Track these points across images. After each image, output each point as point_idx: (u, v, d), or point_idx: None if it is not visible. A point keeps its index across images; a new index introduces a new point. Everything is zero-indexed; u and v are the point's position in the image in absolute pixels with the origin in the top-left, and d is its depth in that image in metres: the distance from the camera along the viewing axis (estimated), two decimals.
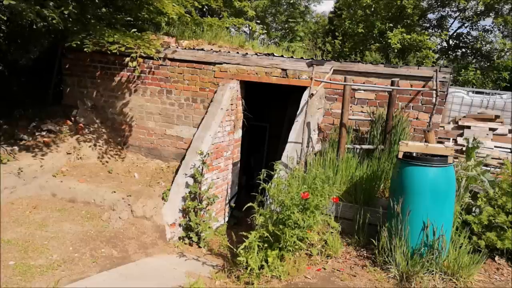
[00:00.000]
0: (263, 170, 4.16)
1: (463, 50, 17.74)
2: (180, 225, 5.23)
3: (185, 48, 6.39)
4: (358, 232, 4.28)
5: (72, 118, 6.69)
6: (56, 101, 7.22)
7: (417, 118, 5.19)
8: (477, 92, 6.68)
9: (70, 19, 5.48)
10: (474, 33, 17.24)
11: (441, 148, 3.78)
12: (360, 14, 16.18)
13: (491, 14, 15.70)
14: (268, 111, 8.12)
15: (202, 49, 6.25)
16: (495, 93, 6.70)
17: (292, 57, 5.94)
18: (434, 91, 4.97)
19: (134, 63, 5.74)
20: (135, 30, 6.24)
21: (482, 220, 3.95)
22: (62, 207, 5.24)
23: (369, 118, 5.29)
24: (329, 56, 17.08)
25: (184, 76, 6.30)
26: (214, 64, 6.10)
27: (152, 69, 6.47)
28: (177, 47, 6.40)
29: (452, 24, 18.11)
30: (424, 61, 14.42)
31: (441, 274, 3.59)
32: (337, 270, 3.90)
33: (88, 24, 5.87)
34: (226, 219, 6.23)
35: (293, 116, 5.58)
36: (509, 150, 5.44)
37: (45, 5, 4.93)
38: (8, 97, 6.87)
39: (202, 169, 5.29)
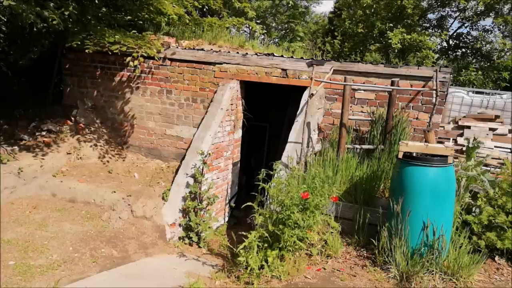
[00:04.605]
0: (263, 170, 4.17)
1: (463, 50, 17.73)
2: (180, 225, 5.23)
3: (185, 48, 6.39)
4: (358, 232, 4.28)
5: (72, 118, 6.70)
6: (56, 101, 7.23)
7: (417, 118, 5.19)
8: (477, 92, 6.68)
9: (70, 20, 5.48)
10: (474, 33, 17.24)
11: (441, 148, 3.78)
12: (360, 14, 16.18)
13: (491, 14, 15.69)
14: (268, 111, 8.12)
15: (202, 49, 6.25)
16: (495, 93, 6.69)
17: (292, 57, 5.94)
18: (434, 91, 4.97)
19: (135, 62, 5.74)
20: (135, 31, 6.25)
21: (482, 220, 3.95)
22: (62, 207, 5.24)
23: (369, 118, 5.29)
24: (329, 56, 17.08)
25: (184, 76, 6.30)
26: (214, 64, 6.10)
27: (152, 69, 6.47)
28: (177, 47, 6.40)
29: (452, 24, 18.12)
30: (424, 61, 14.42)
31: (441, 274, 3.60)
32: (337, 270, 3.90)
33: (89, 24, 5.87)
34: (226, 219, 6.24)
35: (293, 116, 5.58)
36: (509, 150, 5.44)
37: (46, 6, 4.93)
38: (8, 97, 6.87)
39: (202, 169, 5.29)
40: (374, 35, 16.54)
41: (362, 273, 3.83)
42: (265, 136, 8.46)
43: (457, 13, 17.02)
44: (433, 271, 3.58)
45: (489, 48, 17.05)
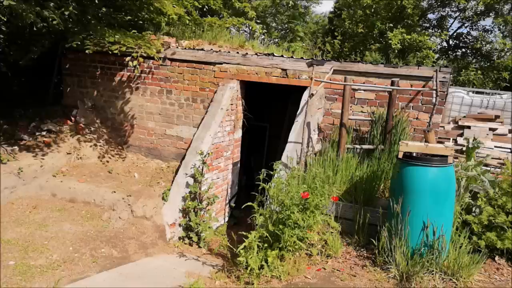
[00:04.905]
0: (263, 170, 4.17)
1: (463, 50, 17.74)
2: (180, 225, 5.23)
3: (185, 48, 6.39)
4: (358, 232, 4.28)
5: (72, 118, 6.70)
6: (56, 101, 7.23)
7: (417, 118, 5.19)
8: (477, 92, 6.67)
9: (71, 20, 5.48)
10: (474, 33, 17.26)
11: (441, 148, 3.78)
12: (360, 14, 16.18)
13: (491, 14, 15.70)
14: (268, 111, 8.12)
15: (202, 49, 6.25)
16: (495, 93, 6.69)
17: (292, 57, 5.94)
18: (434, 91, 4.97)
19: (135, 62, 5.74)
20: (135, 31, 6.25)
21: (482, 220, 3.95)
22: (62, 207, 5.24)
23: (369, 118, 5.29)
24: (329, 56, 17.07)
25: (184, 76, 6.30)
26: (214, 64, 6.10)
27: (152, 69, 6.48)
28: (177, 47, 6.40)
29: (452, 24, 18.13)
30: (424, 61, 14.42)
31: (441, 274, 3.60)
32: (337, 270, 3.90)
33: (89, 24, 5.87)
34: (226, 219, 6.24)
35: (293, 116, 5.58)
36: (509, 150, 5.44)
37: (46, 6, 4.93)
38: (8, 97, 6.86)
39: (202, 169, 5.29)
40: (374, 35, 16.54)
41: (362, 273, 3.83)
42: (265, 136, 8.45)
43: (457, 13, 17.03)
44: (433, 271, 3.58)
45: (489, 48, 17.06)
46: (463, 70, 15.34)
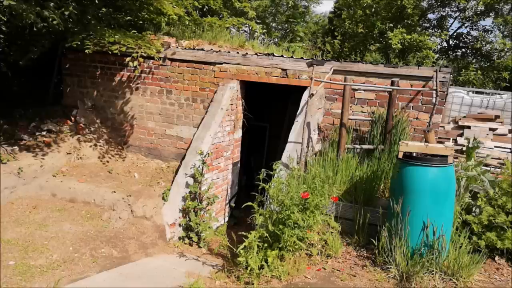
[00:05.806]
0: (263, 170, 4.17)
1: (463, 50, 17.74)
2: (180, 225, 5.23)
3: (185, 48, 6.40)
4: (358, 232, 4.28)
5: (72, 118, 6.70)
6: (56, 101, 7.23)
7: (417, 118, 5.19)
8: (477, 92, 6.67)
9: (71, 20, 5.48)
10: (474, 33, 17.26)
11: (441, 148, 3.78)
12: (360, 14, 16.17)
13: (491, 14, 15.70)
14: (268, 111, 8.12)
15: (202, 49, 6.25)
16: (495, 93, 6.69)
17: (292, 57, 5.94)
18: (434, 91, 4.97)
19: (135, 63, 5.74)
20: (135, 31, 6.25)
21: (482, 220, 3.95)
22: (62, 207, 5.24)
23: (369, 118, 5.30)
24: (329, 56, 17.06)
25: (184, 76, 6.30)
26: (214, 64, 6.10)
27: (152, 69, 6.48)
28: (177, 47, 6.40)
29: (452, 24, 18.14)
30: (424, 61, 14.42)
31: (441, 274, 3.60)
32: (337, 270, 3.90)
33: (89, 24, 5.87)
34: (226, 219, 6.24)
35: (293, 116, 5.58)
36: (509, 150, 5.44)
37: (46, 6, 4.93)
38: (8, 97, 6.86)
39: (202, 169, 5.29)
40: (374, 35, 16.54)
41: (362, 273, 3.83)
42: (265, 136, 8.46)
43: (457, 13, 17.03)
44: (433, 271, 3.59)
45: (489, 48, 17.06)
46: (463, 70, 15.34)
